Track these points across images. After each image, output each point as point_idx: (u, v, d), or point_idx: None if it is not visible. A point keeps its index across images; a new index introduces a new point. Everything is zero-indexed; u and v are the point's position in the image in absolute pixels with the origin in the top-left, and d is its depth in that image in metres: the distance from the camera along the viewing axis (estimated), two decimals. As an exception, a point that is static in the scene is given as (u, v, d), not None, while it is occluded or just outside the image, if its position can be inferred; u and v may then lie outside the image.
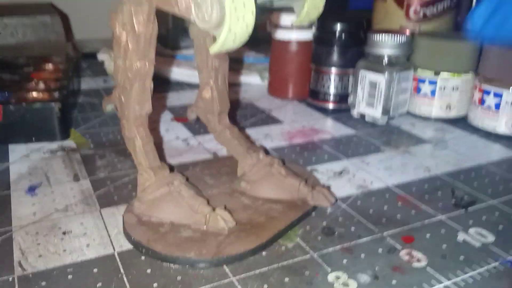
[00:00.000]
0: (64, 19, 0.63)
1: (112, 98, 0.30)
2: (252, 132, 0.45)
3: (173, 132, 0.44)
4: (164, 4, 0.24)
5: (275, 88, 0.57)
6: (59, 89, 0.44)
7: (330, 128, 0.47)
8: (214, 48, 0.22)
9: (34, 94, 0.42)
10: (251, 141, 0.38)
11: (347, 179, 0.36)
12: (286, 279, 0.24)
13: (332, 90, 0.51)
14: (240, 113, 0.50)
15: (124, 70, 0.28)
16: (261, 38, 0.73)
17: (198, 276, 0.25)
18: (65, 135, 0.42)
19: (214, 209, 0.28)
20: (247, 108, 0.52)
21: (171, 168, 0.31)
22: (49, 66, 0.51)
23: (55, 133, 0.41)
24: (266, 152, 0.34)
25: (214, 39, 0.32)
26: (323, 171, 0.37)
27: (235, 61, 0.66)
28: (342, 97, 0.51)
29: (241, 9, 0.21)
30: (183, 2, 0.23)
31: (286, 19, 0.53)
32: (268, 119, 0.49)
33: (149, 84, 0.29)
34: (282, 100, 0.56)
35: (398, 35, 0.46)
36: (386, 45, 0.46)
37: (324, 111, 0.52)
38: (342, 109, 0.51)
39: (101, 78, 0.62)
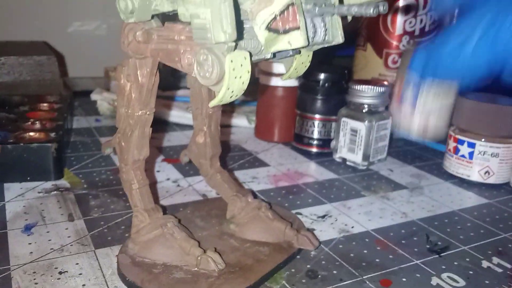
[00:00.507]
0: (58, 57, 0.65)
1: (112, 142, 0.32)
2: (240, 174, 0.47)
3: (164, 173, 0.46)
4: (168, 60, 0.26)
5: (262, 132, 0.59)
6: (55, 129, 0.45)
7: (314, 172, 0.49)
8: (213, 103, 0.24)
9: (31, 134, 0.44)
10: (240, 185, 0.40)
11: (330, 223, 0.38)
12: (273, 320, 0.26)
13: (315, 135, 0.54)
14: (229, 155, 0.52)
15: (126, 117, 0.30)
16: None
17: (189, 317, 0.26)
18: (59, 175, 0.43)
19: (205, 251, 0.30)
20: (235, 150, 0.54)
21: (164, 210, 0.33)
22: (44, 106, 0.53)
23: (50, 173, 0.42)
24: (254, 195, 0.36)
25: (212, 90, 0.35)
26: (307, 215, 0.39)
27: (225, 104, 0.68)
28: (325, 142, 0.54)
29: (239, 69, 0.24)
30: (186, 59, 0.25)
31: (273, 66, 0.56)
32: (255, 162, 0.51)
33: (148, 131, 0.31)
34: (268, 143, 0.58)
35: (378, 86, 0.49)
36: (366, 95, 0.50)
37: (308, 154, 0.54)
38: (325, 153, 0.54)
39: (93, 117, 0.64)
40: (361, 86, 0.50)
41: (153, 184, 0.43)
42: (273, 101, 0.58)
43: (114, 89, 0.69)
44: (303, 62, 0.30)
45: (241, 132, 0.61)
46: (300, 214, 0.39)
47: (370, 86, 0.50)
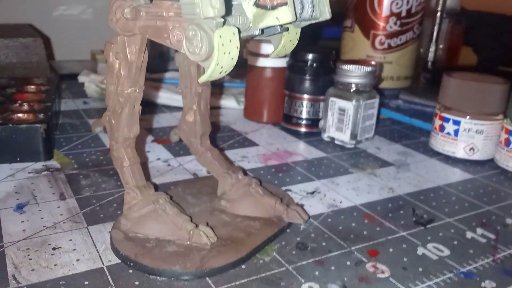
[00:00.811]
0: (44, 40, 0.64)
1: (102, 121, 0.32)
2: (230, 153, 0.48)
3: (154, 154, 0.47)
4: (157, 37, 0.27)
5: (251, 112, 0.60)
6: (44, 110, 0.45)
7: (303, 151, 0.50)
8: (203, 79, 0.25)
9: (20, 115, 0.43)
10: (230, 162, 0.40)
11: (319, 199, 0.39)
12: (264, 289, 0.27)
13: (304, 115, 0.54)
14: (218, 136, 0.53)
15: (115, 95, 0.30)
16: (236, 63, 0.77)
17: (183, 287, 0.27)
18: (49, 156, 0.43)
19: (197, 226, 0.31)
20: (224, 131, 0.55)
21: (156, 187, 0.33)
22: (32, 88, 0.53)
23: (40, 154, 0.42)
24: (245, 172, 0.37)
25: (200, 68, 0.35)
26: (297, 191, 0.40)
27: (214, 85, 0.68)
28: (314, 122, 0.54)
29: (228, 45, 0.24)
30: (175, 36, 0.25)
31: (262, 47, 0.57)
32: (245, 142, 0.52)
33: (138, 108, 0.31)
34: (257, 123, 0.58)
35: (365, 66, 0.50)
36: (353, 74, 0.50)
37: (297, 134, 0.55)
38: (314, 132, 0.54)
39: (80, 100, 0.63)
40: (348, 65, 0.50)
41: (143, 164, 0.44)
42: (262, 82, 0.58)
43: (101, 71, 0.69)
44: (291, 39, 0.31)
45: (230, 114, 0.62)
46: (290, 190, 0.40)
47: (357, 66, 0.50)
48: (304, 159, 0.47)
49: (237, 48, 0.25)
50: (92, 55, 0.81)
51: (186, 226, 0.30)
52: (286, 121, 0.56)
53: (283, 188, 0.40)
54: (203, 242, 0.30)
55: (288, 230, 0.34)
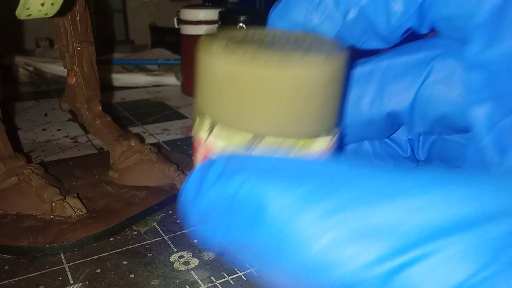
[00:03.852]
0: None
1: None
2: (150, 127, 0.44)
3: (64, 131, 0.43)
4: None
5: (188, 86, 0.56)
6: None
7: (234, 120, 0.46)
8: (17, 10, 0.21)
9: None
10: (126, 131, 0.36)
11: (231, 165, 0.35)
12: (124, 262, 0.23)
13: (240, 83, 0.50)
14: (146, 111, 0.49)
15: None
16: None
17: (28, 265, 0.23)
18: None
19: (65, 198, 0.27)
20: (155, 107, 0.51)
21: (29, 160, 0.29)
22: None
23: None
24: (142, 141, 0.33)
25: (76, 21, 0.31)
26: (209, 159, 0.36)
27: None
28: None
29: None
30: None
31: (193, 13, 0.53)
32: (173, 116, 0.48)
33: None
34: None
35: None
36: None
37: (234, 105, 0.51)
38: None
39: None
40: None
41: (44, 142, 0.40)
42: (196, 51, 0.54)
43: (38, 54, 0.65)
44: None
45: (169, 90, 0.58)
46: (203, 159, 0.36)
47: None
48: (231, 128, 0.43)
49: None
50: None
51: (50, 198, 0.26)
52: (223, 92, 0.52)
53: (196, 157, 0.36)
54: (67, 215, 0.26)
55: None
